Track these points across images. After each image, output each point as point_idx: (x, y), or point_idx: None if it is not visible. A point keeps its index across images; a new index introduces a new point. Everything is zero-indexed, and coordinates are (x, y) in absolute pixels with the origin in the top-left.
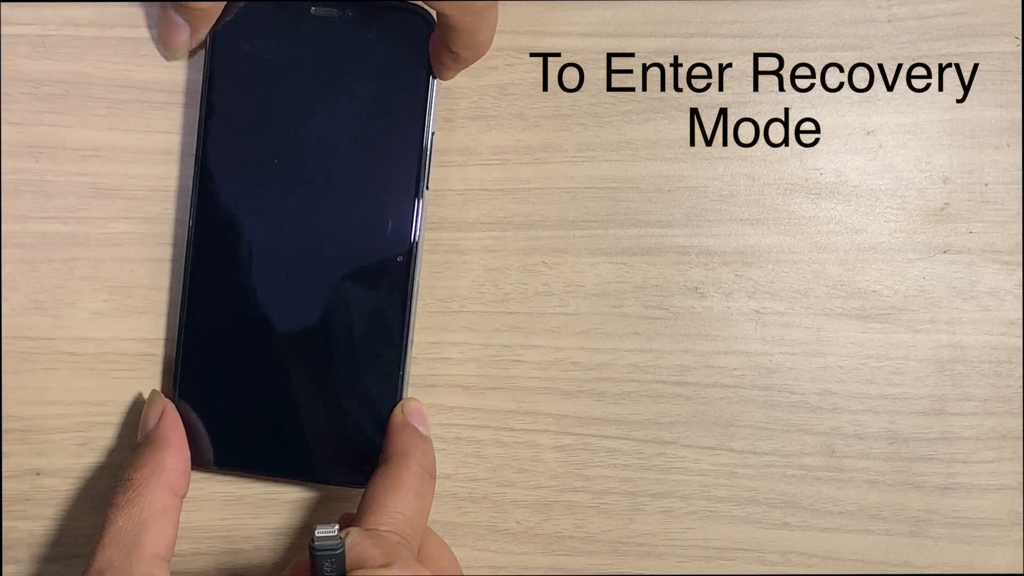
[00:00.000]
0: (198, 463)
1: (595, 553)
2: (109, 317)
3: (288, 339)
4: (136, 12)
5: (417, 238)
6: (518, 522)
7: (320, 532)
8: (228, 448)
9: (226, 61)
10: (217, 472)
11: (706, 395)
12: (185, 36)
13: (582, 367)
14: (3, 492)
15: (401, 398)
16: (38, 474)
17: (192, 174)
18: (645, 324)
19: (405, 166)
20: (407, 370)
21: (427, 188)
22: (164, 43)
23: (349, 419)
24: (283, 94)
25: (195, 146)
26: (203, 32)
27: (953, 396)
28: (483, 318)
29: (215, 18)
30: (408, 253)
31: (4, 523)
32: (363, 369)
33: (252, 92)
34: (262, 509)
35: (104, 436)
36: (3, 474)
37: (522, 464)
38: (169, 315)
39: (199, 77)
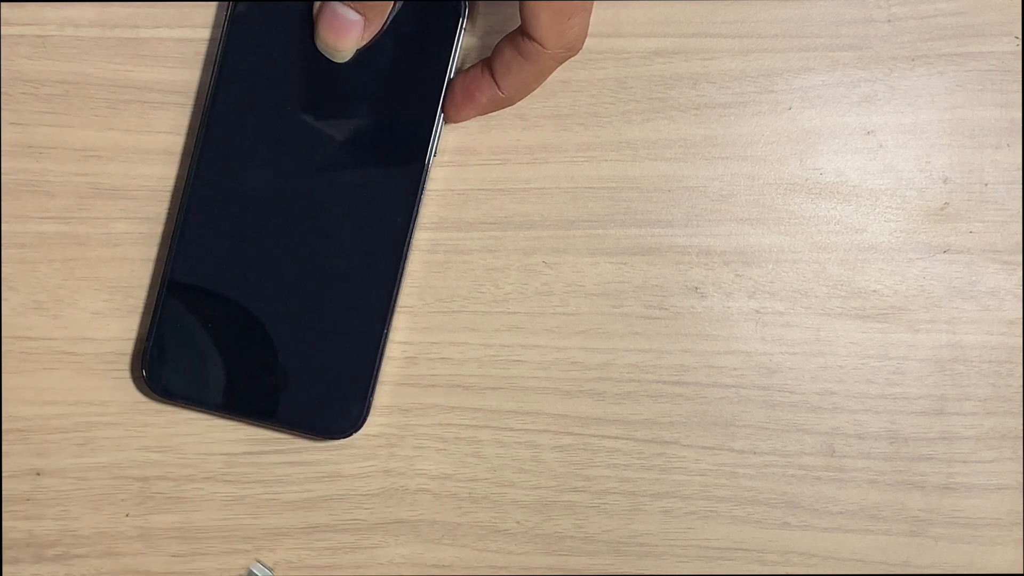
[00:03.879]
0: (172, 397)
1: (595, 553)
2: (109, 317)
3: (273, 286)
4: (136, 12)
5: (420, 201)
6: (518, 522)
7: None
8: (199, 387)
9: (244, 30)
10: (185, 407)
11: (706, 395)
12: (357, 32)
13: (582, 367)
14: (3, 492)
15: (380, 364)
16: (38, 474)
17: (197, 136)
18: (645, 324)
19: (418, 134)
20: (389, 334)
21: (434, 155)
22: (333, 43)
23: (328, 374)
24: (299, 64)
25: (203, 108)
26: (379, 24)
27: (953, 396)
28: (483, 318)
29: (390, 7)
30: (409, 215)
31: (4, 523)
32: (346, 322)
33: (267, 62)
34: (262, 509)
35: (104, 436)
36: (3, 474)
37: (522, 464)
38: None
39: (200, 77)
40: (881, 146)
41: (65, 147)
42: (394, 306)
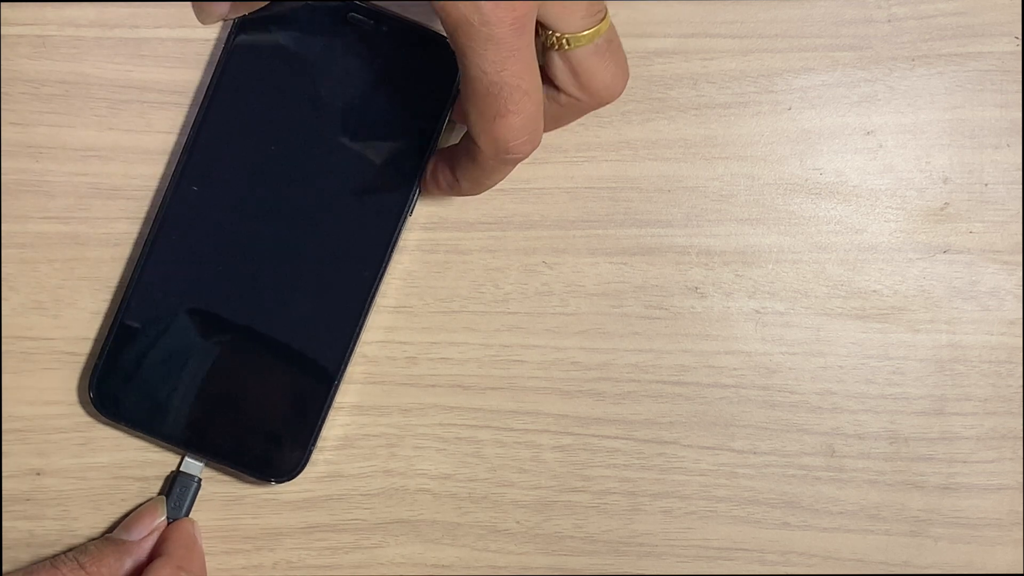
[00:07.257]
0: (118, 419)
1: (595, 553)
2: (109, 317)
3: (232, 323)
4: (136, 12)
5: (389, 258)
6: (518, 522)
7: (189, 460)
8: (142, 413)
9: (245, 49)
10: (131, 432)
11: (706, 395)
12: (223, 10)
13: (582, 367)
14: (3, 492)
15: (329, 407)
16: (38, 474)
17: (181, 156)
18: (645, 324)
19: (397, 189)
20: (343, 377)
21: (410, 214)
22: (201, 7)
23: (272, 418)
24: (295, 91)
25: (192, 127)
26: (243, 10)
27: (953, 396)
28: (483, 318)
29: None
30: (375, 271)
31: (4, 523)
32: (298, 371)
33: (263, 84)
34: (262, 509)
35: (104, 436)
36: (3, 474)
37: (522, 464)
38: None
39: (199, 77)
40: (881, 146)
41: (65, 147)
42: (348, 360)
